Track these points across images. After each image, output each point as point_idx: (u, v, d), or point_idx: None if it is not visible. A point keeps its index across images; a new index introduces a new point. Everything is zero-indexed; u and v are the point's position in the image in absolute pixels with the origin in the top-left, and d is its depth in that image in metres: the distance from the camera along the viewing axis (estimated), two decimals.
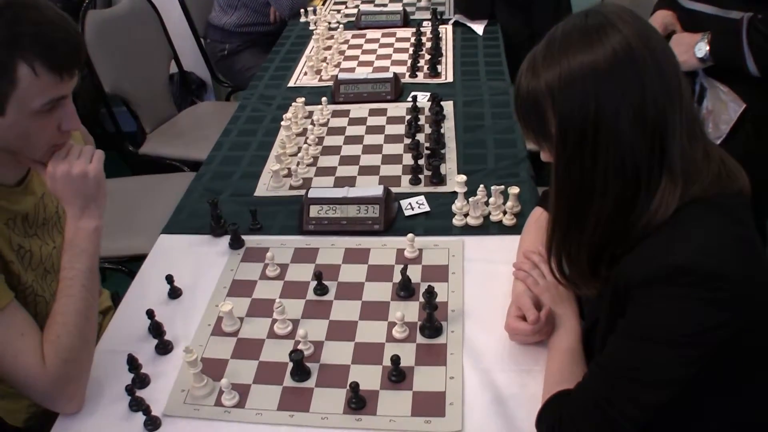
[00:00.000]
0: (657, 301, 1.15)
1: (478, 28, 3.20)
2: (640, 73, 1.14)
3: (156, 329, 1.59)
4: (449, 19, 3.33)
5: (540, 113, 1.20)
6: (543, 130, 1.23)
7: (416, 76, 2.81)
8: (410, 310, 1.62)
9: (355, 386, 1.38)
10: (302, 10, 3.62)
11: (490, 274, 1.72)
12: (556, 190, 1.25)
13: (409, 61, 2.91)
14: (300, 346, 1.53)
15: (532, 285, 1.56)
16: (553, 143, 1.22)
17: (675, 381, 1.16)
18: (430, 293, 1.51)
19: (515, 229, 1.83)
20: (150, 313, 1.59)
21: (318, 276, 1.71)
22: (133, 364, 1.47)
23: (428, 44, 3.05)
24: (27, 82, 1.33)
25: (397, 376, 1.45)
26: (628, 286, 1.19)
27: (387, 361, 1.47)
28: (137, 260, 1.93)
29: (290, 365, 1.49)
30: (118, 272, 2.69)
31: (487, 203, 1.91)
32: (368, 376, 1.46)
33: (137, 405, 1.42)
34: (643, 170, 1.16)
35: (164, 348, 1.59)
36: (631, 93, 1.14)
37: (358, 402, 1.39)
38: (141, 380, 1.50)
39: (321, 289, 1.71)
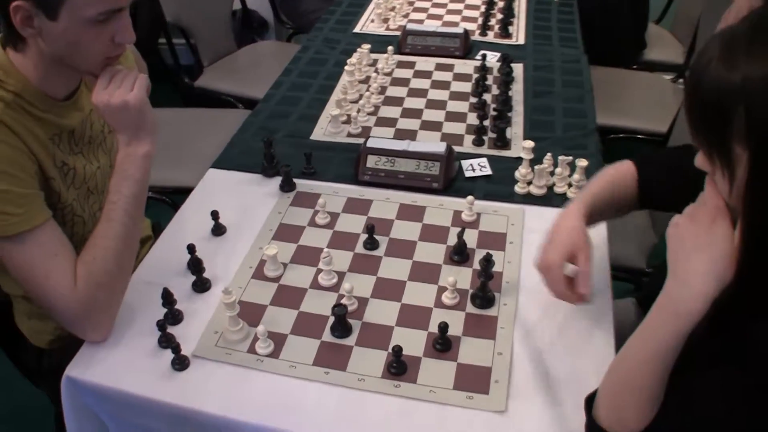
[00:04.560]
0: None
1: None
2: None
3: (195, 265, 1.52)
4: None
5: (725, 118, 0.93)
6: (720, 140, 0.96)
7: (486, 34, 2.69)
8: (462, 276, 1.53)
9: (397, 350, 1.29)
10: None
11: None
12: (748, 212, 0.99)
13: (480, 19, 2.79)
14: (344, 301, 1.45)
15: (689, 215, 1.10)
16: (732, 158, 0.97)
17: None
18: (488, 261, 1.42)
19: None
20: (191, 248, 1.52)
21: (370, 229, 1.62)
22: (167, 299, 1.41)
23: (501, 3, 2.92)
24: None
25: (443, 345, 1.36)
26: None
27: (433, 328, 1.39)
28: (181, 193, 1.87)
29: (331, 319, 1.41)
30: (161, 203, 2.63)
31: (552, 173, 1.81)
32: (412, 341, 1.38)
33: (167, 342, 1.36)
34: None
35: (202, 286, 1.52)
36: None
37: (399, 367, 1.31)
38: (174, 316, 1.44)
39: (371, 243, 1.63)
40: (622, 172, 1.50)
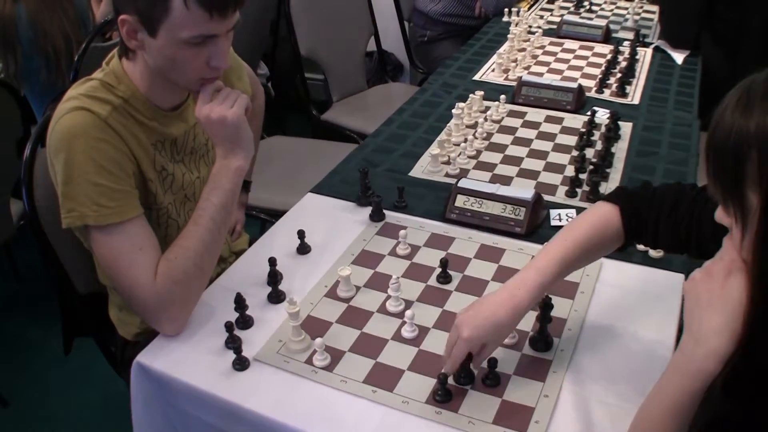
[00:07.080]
0: None
1: (679, 57, 3.03)
2: None
3: (272, 277, 1.61)
4: (651, 44, 3.18)
5: (738, 163, 0.93)
6: (734, 186, 0.95)
7: (603, 92, 2.70)
8: (527, 319, 1.54)
9: (443, 378, 1.34)
10: (506, 10, 3.57)
11: (620, 302, 1.62)
12: (759, 264, 0.97)
13: (600, 76, 2.81)
14: (405, 327, 1.50)
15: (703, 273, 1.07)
16: (745, 206, 0.95)
17: None
18: (546, 304, 1.45)
19: (660, 263, 1.72)
20: (272, 261, 1.61)
21: (443, 264, 1.67)
22: (239, 303, 1.50)
23: (623, 63, 2.93)
24: (179, 12, 1.38)
25: (492, 380, 1.39)
26: None
27: (486, 363, 1.42)
28: None
29: (390, 343, 1.46)
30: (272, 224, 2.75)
31: None
32: None
33: (233, 342, 1.45)
34: None
35: (276, 297, 1.60)
36: None
37: (444, 395, 1.35)
38: (244, 321, 1.52)
39: (444, 278, 1.67)
40: (603, 216, 1.45)
